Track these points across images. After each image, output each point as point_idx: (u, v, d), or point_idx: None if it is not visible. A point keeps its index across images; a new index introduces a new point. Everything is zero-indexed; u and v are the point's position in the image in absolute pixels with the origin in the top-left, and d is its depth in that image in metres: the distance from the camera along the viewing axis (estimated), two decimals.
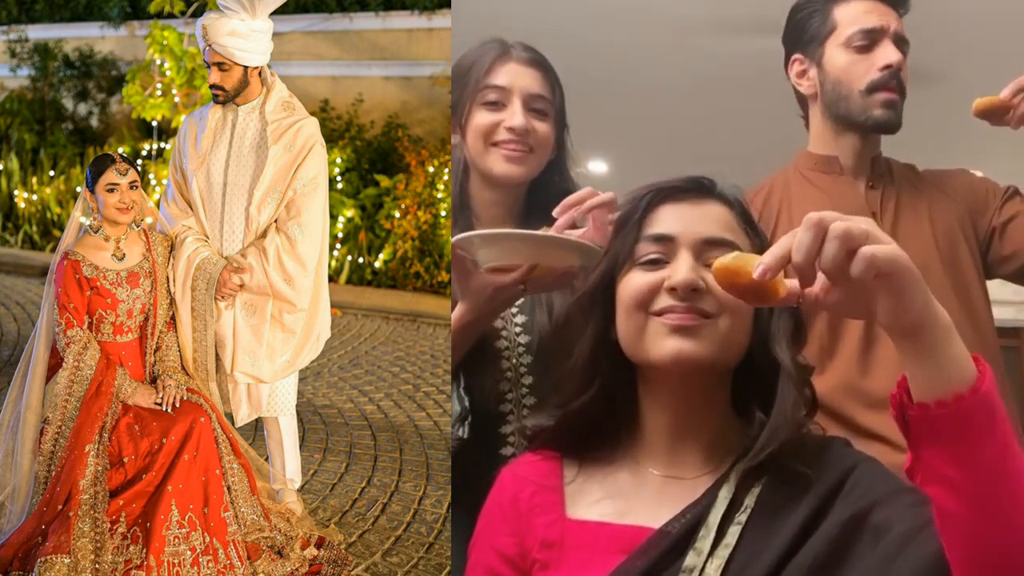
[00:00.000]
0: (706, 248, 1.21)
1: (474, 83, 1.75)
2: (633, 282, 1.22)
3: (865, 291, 0.90)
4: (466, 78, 1.77)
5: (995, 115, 1.75)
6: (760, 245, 1.25)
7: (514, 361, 1.72)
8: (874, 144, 1.92)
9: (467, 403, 1.67)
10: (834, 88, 1.87)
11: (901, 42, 1.86)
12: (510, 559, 1.23)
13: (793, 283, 0.95)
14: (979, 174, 1.96)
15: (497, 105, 1.74)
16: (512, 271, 1.51)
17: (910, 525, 0.99)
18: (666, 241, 1.22)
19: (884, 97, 1.83)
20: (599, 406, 1.26)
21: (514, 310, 1.76)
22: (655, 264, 1.22)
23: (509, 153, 1.74)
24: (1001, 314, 1.98)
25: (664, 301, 1.18)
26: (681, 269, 1.19)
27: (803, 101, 1.99)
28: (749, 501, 1.16)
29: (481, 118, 1.74)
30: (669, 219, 1.24)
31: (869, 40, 1.85)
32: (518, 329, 1.75)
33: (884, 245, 0.88)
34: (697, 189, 1.27)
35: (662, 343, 1.17)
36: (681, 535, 1.14)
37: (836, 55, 1.88)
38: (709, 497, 1.18)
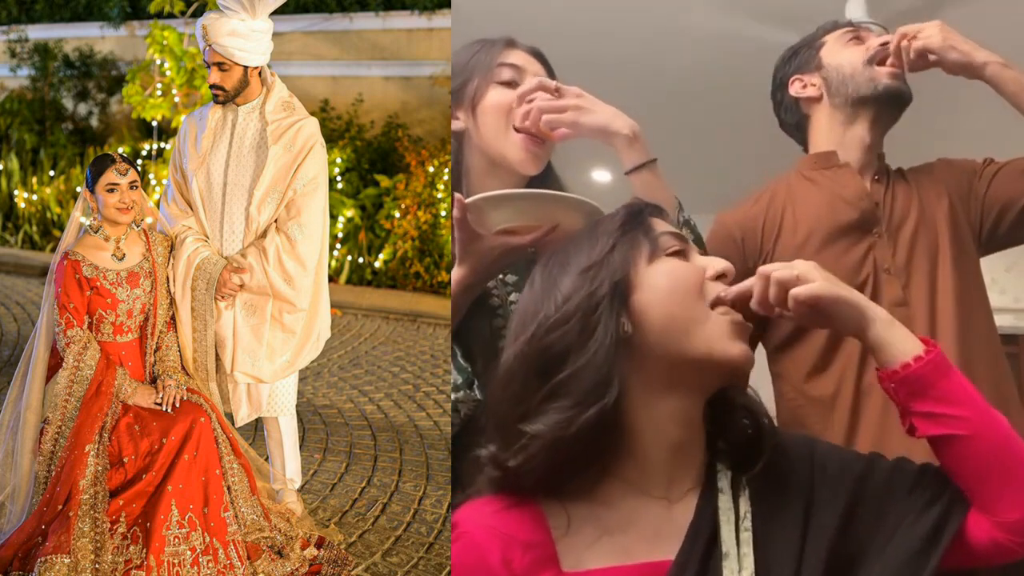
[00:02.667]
0: None
1: (486, 63, 1.73)
2: (678, 267, 1.22)
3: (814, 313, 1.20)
4: (471, 64, 1.75)
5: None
6: None
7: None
8: (879, 138, 1.99)
9: (470, 369, 1.62)
10: (838, 71, 1.96)
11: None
12: None
13: None
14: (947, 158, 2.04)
15: (512, 83, 1.73)
16: (520, 232, 1.50)
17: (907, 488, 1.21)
18: (682, 240, 1.26)
19: (889, 69, 1.91)
20: (611, 414, 1.17)
21: (510, 289, 1.74)
22: (682, 255, 1.24)
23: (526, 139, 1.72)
24: (1000, 321, 2.01)
25: (715, 289, 1.22)
26: (717, 260, 1.25)
27: (801, 123, 2.07)
28: (746, 507, 1.18)
29: (498, 95, 1.72)
30: (669, 226, 1.29)
31: (858, 34, 1.99)
32: (514, 307, 1.72)
33: (809, 284, 1.18)
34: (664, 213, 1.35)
35: (729, 342, 1.19)
36: (701, 559, 1.14)
37: (834, 50, 1.99)
38: (706, 513, 1.18)
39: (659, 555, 1.16)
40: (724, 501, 1.18)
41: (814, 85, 1.99)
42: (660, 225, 1.28)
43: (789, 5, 2.15)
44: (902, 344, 1.19)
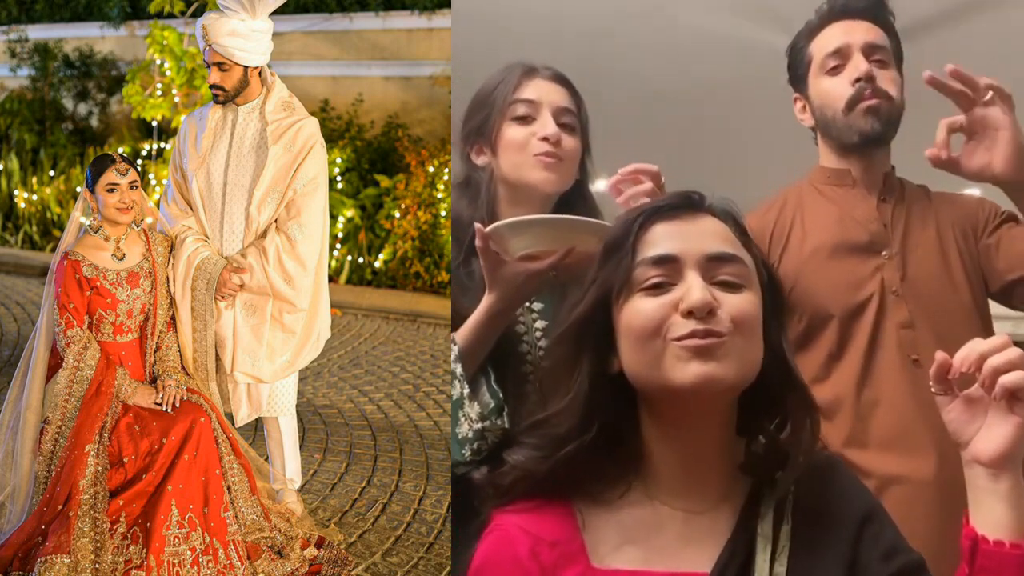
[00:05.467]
0: (712, 265, 1.15)
1: (502, 101, 1.78)
2: (641, 310, 1.14)
3: (987, 410, 1.06)
4: (491, 98, 1.80)
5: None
6: (757, 257, 1.21)
7: (535, 355, 1.75)
8: (882, 159, 1.97)
9: (501, 395, 1.64)
10: (821, 114, 1.96)
11: (874, 50, 1.91)
12: None
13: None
14: (980, 195, 2.00)
15: (527, 119, 1.77)
16: (542, 258, 1.54)
17: None
18: (669, 262, 1.15)
19: (864, 107, 1.88)
20: (598, 447, 1.17)
21: (535, 316, 1.78)
22: (659, 288, 1.14)
23: (544, 160, 1.76)
24: (999, 328, 2.01)
25: (681, 327, 1.11)
26: (695, 289, 1.12)
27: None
28: (784, 540, 1.13)
29: (513, 132, 1.78)
30: (667, 239, 1.17)
31: (838, 60, 1.93)
32: (539, 334, 1.77)
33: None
34: (688, 205, 1.21)
35: (684, 368, 1.10)
36: None
37: (817, 84, 1.97)
38: (744, 535, 1.14)
39: (684, 566, 1.13)
40: (764, 527, 1.13)
41: (807, 114, 2.00)
42: (649, 244, 1.17)
43: (795, 11, 2.13)
44: (1019, 517, 1.04)
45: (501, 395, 1.65)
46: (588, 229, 1.53)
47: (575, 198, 1.82)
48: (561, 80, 1.81)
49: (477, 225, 1.54)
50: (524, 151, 1.76)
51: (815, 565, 1.12)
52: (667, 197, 1.23)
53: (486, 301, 1.59)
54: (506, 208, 1.80)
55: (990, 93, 1.63)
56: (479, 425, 1.62)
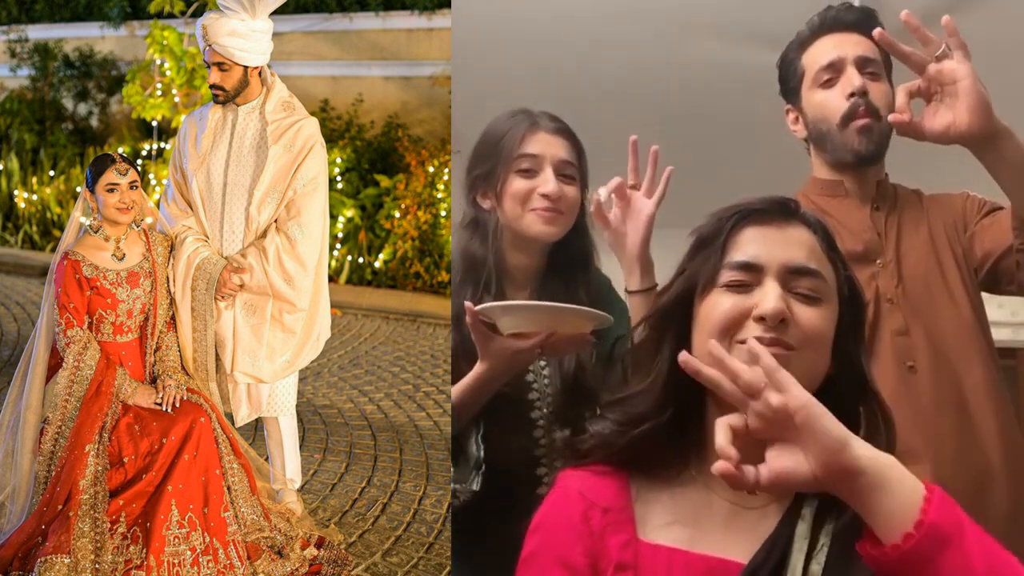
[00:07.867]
0: (792, 277, 1.19)
1: (508, 153, 1.87)
2: (719, 306, 1.19)
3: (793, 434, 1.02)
4: (498, 147, 1.88)
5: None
6: (840, 272, 1.24)
7: (545, 411, 1.84)
8: (875, 169, 1.96)
9: (483, 453, 1.74)
10: (815, 127, 1.95)
11: (866, 63, 1.90)
12: (580, 572, 1.19)
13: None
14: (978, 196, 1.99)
15: (530, 172, 1.86)
16: (530, 337, 1.64)
17: None
18: (752, 269, 1.20)
19: (857, 126, 1.88)
20: (670, 429, 1.23)
21: (547, 381, 1.87)
22: (741, 287, 1.19)
23: (544, 215, 1.85)
24: (998, 335, 2.00)
25: (751, 331, 1.16)
26: (770, 298, 1.16)
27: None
28: (824, 540, 1.15)
29: (517, 185, 1.86)
30: (754, 244, 1.21)
31: (832, 74, 1.92)
32: (546, 380, 1.87)
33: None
34: (782, 212, 1.24)
35: None
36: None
37: (811, 97, 1.96)
38: (784, 533, 1.16)
39: (725, 554, 1.16)
40: (802, 529, 1.15)
41: (800, 126, 2.00)
42: (738, 246, 1.22)
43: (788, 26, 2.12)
44: (890, 515, 0.97)
45: (483, 453, 1.74)
46: (574, 314, 1.64)
47: (571, 236, 1.91)
48: (562, 132, 1.90)
49: (468, 303, 1.65)
50: (526, 204, 1.86)
51: (853, 566, 1.12)
52: (763, 201, 1.26)
53: (478, 368, 1.69)
54: (509, 250, 1.91)
55: (943, 46, 1.55)
56: (454, 485, 1.72)
